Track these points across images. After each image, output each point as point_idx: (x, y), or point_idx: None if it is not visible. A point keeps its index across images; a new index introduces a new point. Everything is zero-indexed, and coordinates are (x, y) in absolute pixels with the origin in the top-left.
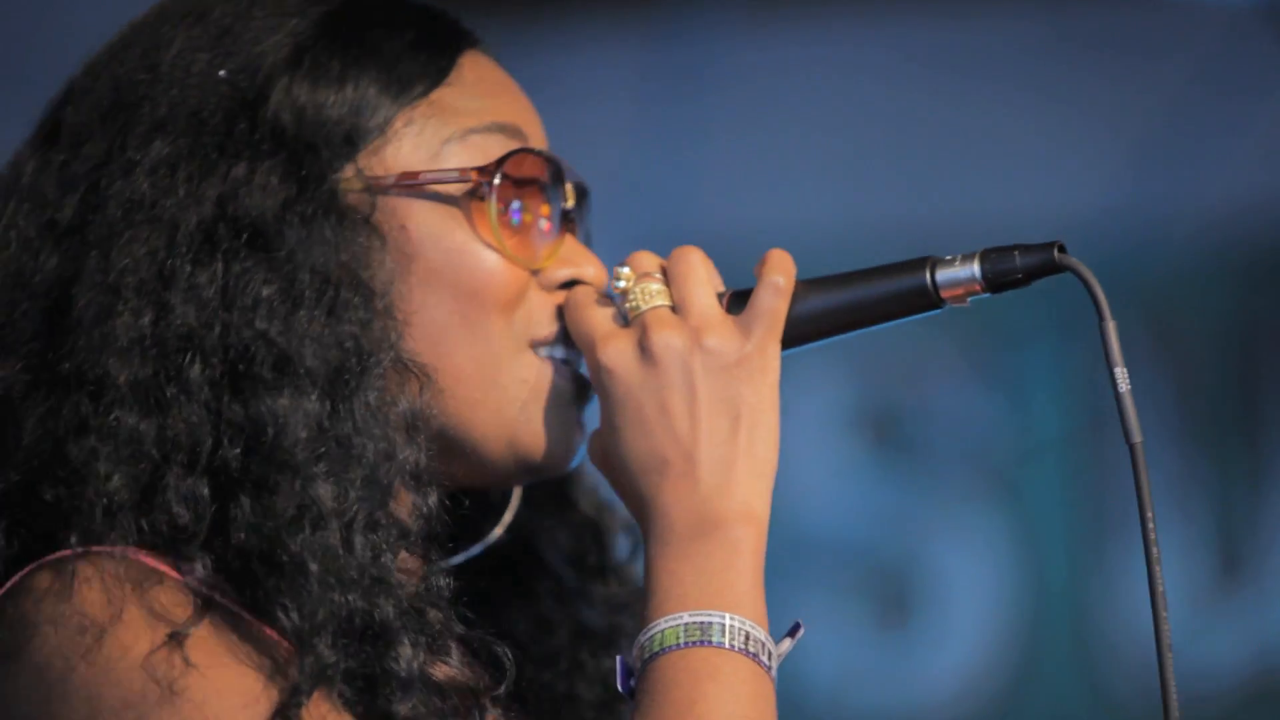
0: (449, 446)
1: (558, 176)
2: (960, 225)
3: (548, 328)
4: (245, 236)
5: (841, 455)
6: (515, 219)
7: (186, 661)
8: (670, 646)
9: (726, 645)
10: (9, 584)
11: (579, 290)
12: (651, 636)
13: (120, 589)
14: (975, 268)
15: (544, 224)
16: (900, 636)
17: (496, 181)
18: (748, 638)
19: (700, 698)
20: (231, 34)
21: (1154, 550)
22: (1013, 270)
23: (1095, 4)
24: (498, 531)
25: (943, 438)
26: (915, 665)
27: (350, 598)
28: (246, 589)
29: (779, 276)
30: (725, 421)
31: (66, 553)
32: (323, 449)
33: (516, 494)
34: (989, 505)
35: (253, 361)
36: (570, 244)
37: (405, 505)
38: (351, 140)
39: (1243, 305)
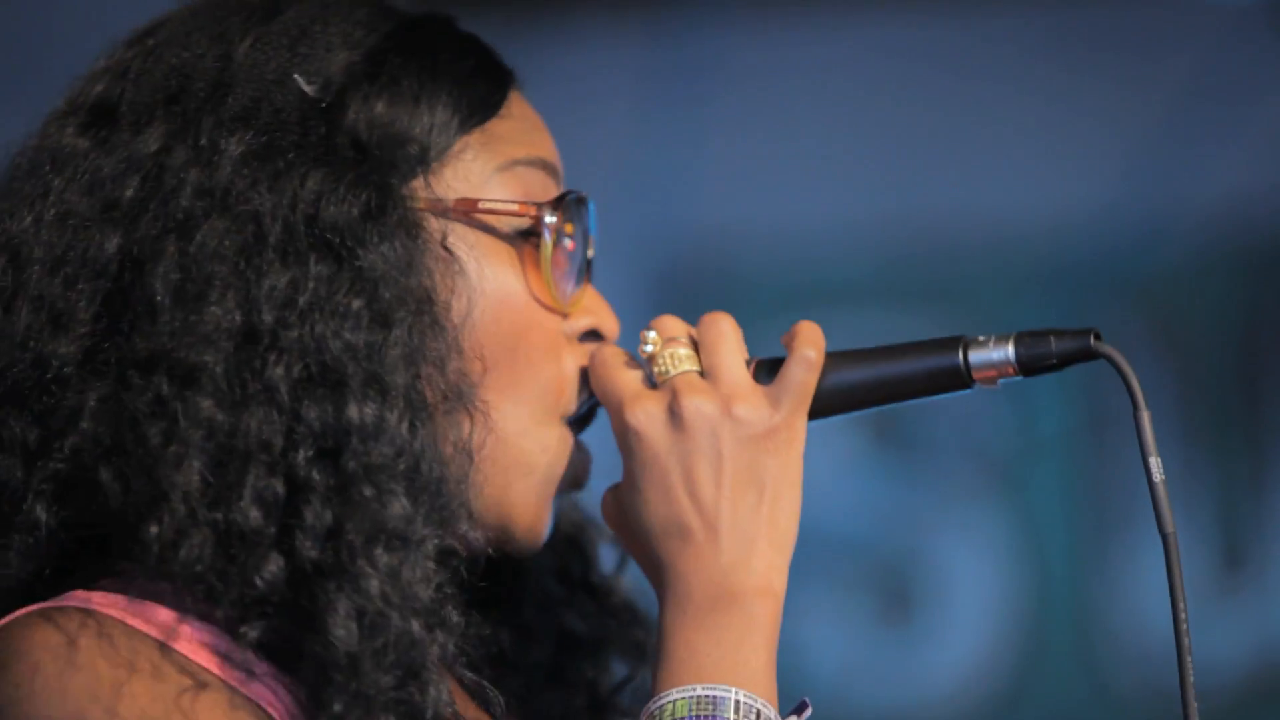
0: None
1: (588, 220)
2: (962, 223)
3: (575, 400)
4: (326, 242)
5: (844, 451)
6: (554, 260)
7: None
8: (681, 718)
9: None
10: (14, 616)
11: (607, 350)
12: (663, 706)
13: (120, 660)
14: (1010, 351)
15: (574, 268)
16: (903, 632)
17: (551, 219)
18: (758, 715)
19: None
20: (307, 39)
21: (1185, 640)
22: (1048, 355)
23: (1096, 1)
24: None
25: (945, 434)
26: (918, 661)
27: (411, 624)
28: (298, 609)
29: (810, 350)
30: (751, 492)
31: (65, 604)
32: (402, 467)
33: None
34: (991, 501)
35: (337, 371)
36: (591, 293)
37: (463, 539)
38: (424, 160)
39: (1244, 300)
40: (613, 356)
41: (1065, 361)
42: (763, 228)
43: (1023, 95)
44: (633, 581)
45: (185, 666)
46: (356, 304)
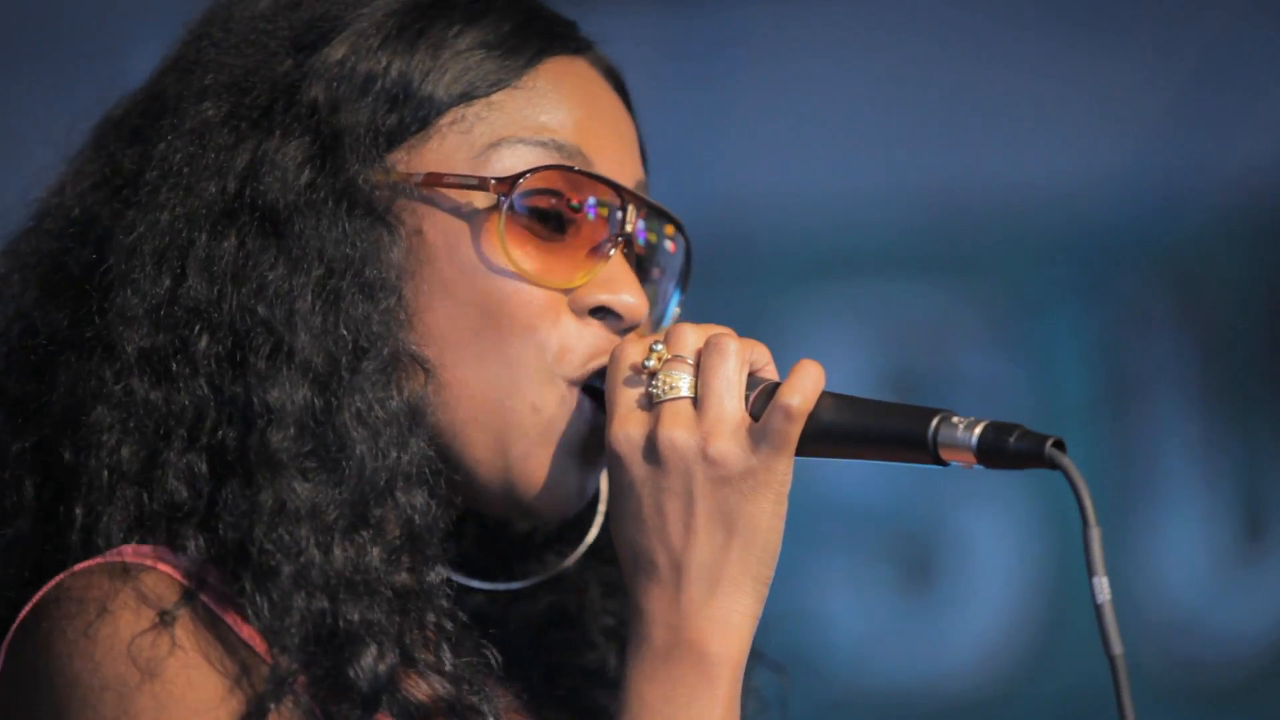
0: (451, 460)
1: (619, 201)
2: (984, 193)
3: (586, 365)
4: (260, 215)
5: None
6: (541, 230)
7: (155, 664)
8: None
9: None
10: (29, 606)
11: (624, 351)
12: None
13: (108, 592)
14: (974, 438)
15: (587, 246)
16: (923, 603)
17: (512, 196)
18: None
19: None
20: (307, 5)
21: None
22: (1005, 452)
23: None
24: (567, 563)
25: (967, 402)
26: (939, 631)
27: (318, 602)
28: (230, 583)
29: (795, 398)
30: (719, 534)
31: (71, 575)
32: (309, 446)
33: (595, 527)
34: (1000, 475)
35: (252, 346)
36: (615, 266)
37: (400, 504)
38: (382, 133)
39: (1267, 267)
40: (624, 361)
41: (1022, 462)
42: (784, 199)
43: (1044, 65)
44: None
45: (208, 609)
46: (273, 275)
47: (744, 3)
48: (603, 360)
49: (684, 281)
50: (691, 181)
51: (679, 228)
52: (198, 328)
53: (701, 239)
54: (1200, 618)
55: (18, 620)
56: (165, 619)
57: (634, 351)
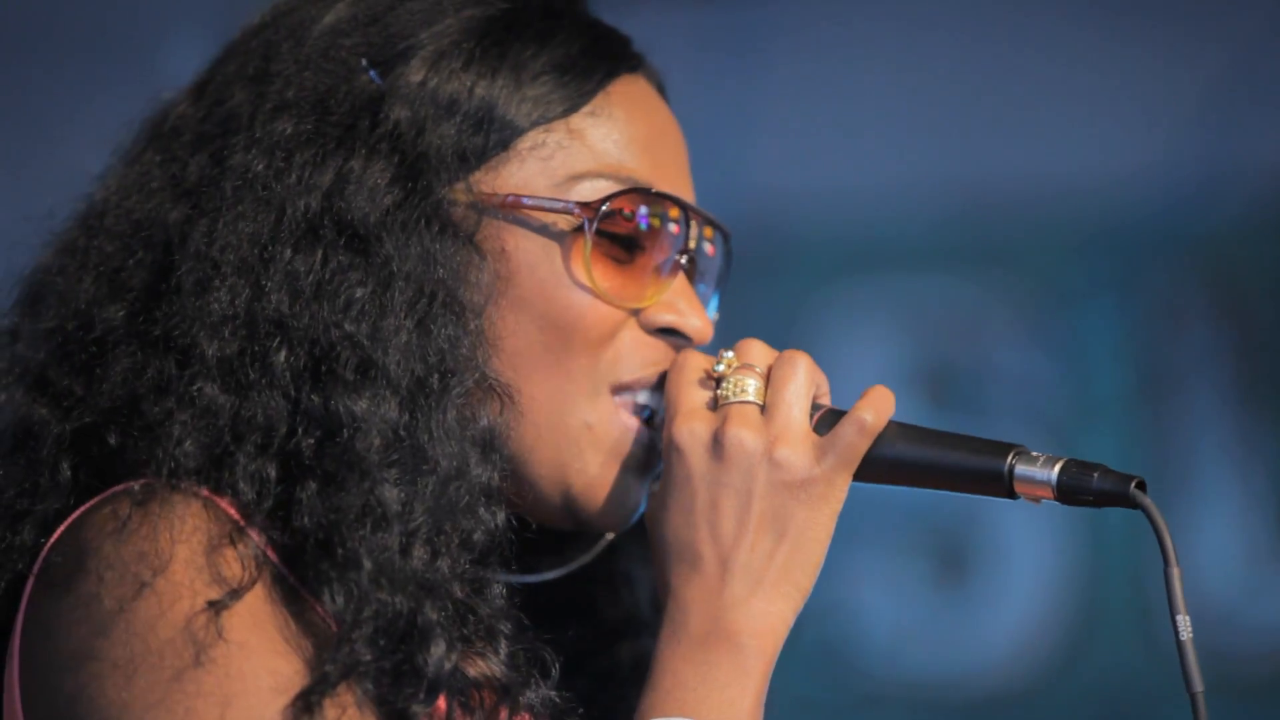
0: (514, 473)
1: (684, 220)
2: (1017, 185)
3: (635, 372)
4: (346, 234)
5: (902, 413)
6: (616, 254)
7: (225, 629)
8: None
9: None
10: (72, 516)
11: (690, 357)
12: None
13: (177, 532)
14: (1054, 474)
15: (655, 266)
16: (958, 595)
17: (596, 220)
18: None
19: None
20: (381, 22)
21: None
22: (1087, 491)
23: None
24: (585, 558)
25: (999, 396)
26: (972, 624)
27: (397, 600)
28: (298, 566)
29: (869, 414)
30: (770, 537)
31: (133, 485)
32: (395, 456)
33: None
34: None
35: (337, 360)
36: (680, 287)
37: (474, 519)
38: (466, 155)
39: None
40: (691, 365)
41: (1103, 501)
42: (819, 192)
43: (1078, 58)
44: None
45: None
46: (361, 293)
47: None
48: (652, 371)
49: (723, 284)
50: (726, 176)
51: (726, 237)
52: (277, 340)
53: (737, 234)
54: (1235, 611)
55: (48, 545)
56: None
57: (700, 358)
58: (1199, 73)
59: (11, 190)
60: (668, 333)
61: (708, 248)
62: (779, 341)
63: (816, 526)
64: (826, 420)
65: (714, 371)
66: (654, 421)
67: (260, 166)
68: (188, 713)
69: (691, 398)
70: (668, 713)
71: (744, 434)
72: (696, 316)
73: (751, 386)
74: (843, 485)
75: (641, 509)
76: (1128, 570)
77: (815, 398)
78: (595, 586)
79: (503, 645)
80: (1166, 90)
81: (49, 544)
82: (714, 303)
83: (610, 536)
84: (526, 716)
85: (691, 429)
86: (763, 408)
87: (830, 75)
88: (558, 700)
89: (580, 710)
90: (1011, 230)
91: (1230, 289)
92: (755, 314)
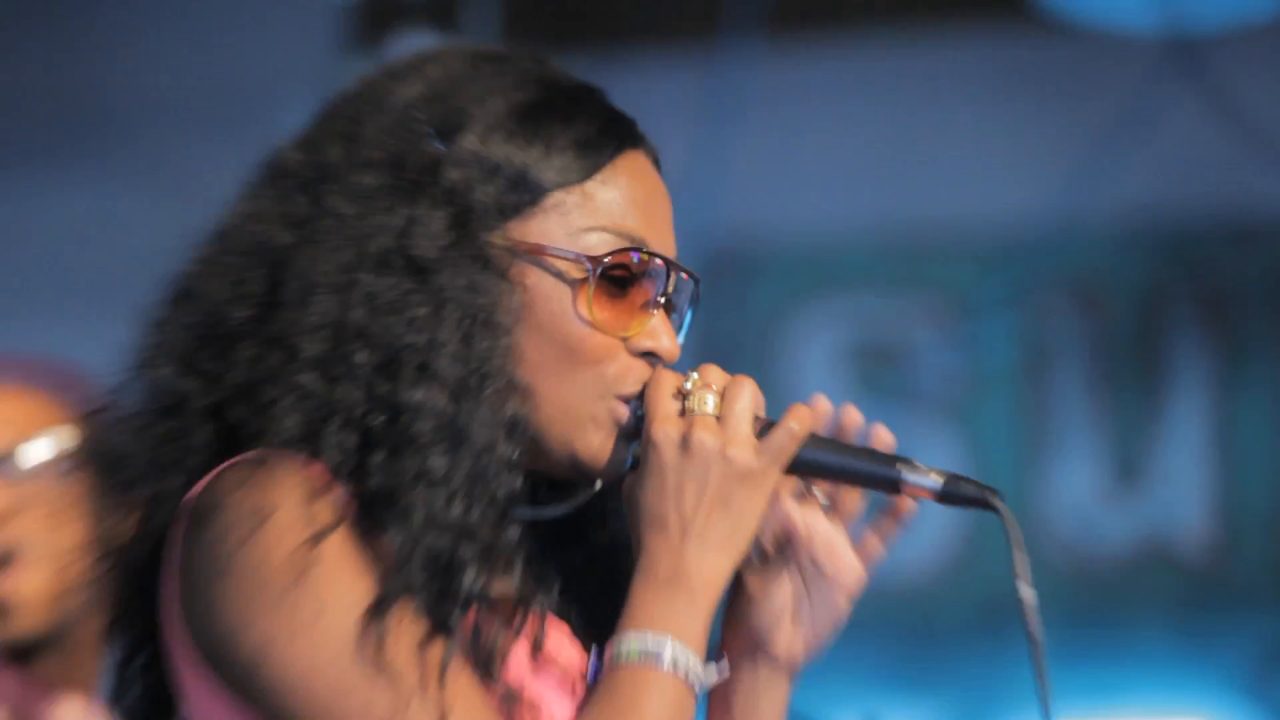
0: (532, 446)
1: (664, 270)
2: (940, 221)
3: (632, 387)
4: (412, 266)
5: (839, 389)
6: (612, 296)
7: (317, 559)
8: (630, 650)
9: (668, 668)
10: (209, 475)
11: (664, 374)
12: (619, 642)
13: (282, 489)
14: (937, 483)
15: (642, 303)
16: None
17: (599, 271)
18: (688, 660)
19: (636, 704)
20: (446, 101)
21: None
22: (959, 496)
23: (1042, 42)
24: (581, 499)
25: (922, 381)
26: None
27: (441, 540)
28: (369, 514)
29: (795, 424)
30: (719, 511)
31: (251, 454)
32: (443, 435)
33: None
34: (945, 432)
35: (402, 362)
36: (659, 320)
37: (499, 482)
38: (504, 209)
39: (1146, 278)
40: (665, 381)
41: (971, 504)
42: (778, 227)
43: (981, 119)
44: None
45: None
46: (422, 312)
47: (751, 64)
48: (638, 384)
49: (692, 314)
50: (708, 211)
51: (697, 281)
52: (358, 344)
53: (716, 259)
54: (1086, 530)
55: (196, 491)
56: (330, 515)
57: (673, 377)
58: (1074, 131)
59: (159, 216)
60: (648, 355)
61: (683, 289)
62: (749, 346)
63: (755, 506)
64: (764, 429)
65: (683, 388)
66: (638, 413)
67: (348, 210)
68: (291, 618)
69: (666, 407)
70: (638, 628)
71: (705, 437)
72: (671, 343)
73: (710, 402)
74: (775, 476)
75: (627, 465)
76: (1016, 510)
77: (755, 412)
78: (587, 519)
79: (518, 570)
80: (1048, 146)
81: (193, 494)
82: (684, 330)
83: (599, 485)
84: (535, 617)
85: (665, 431)
86: (718, 418)
87: (788, 133)
88: (560, 607)
89: (578, 611)
90: (931, 257)
91: (1092, 297)
92: (729, 327)
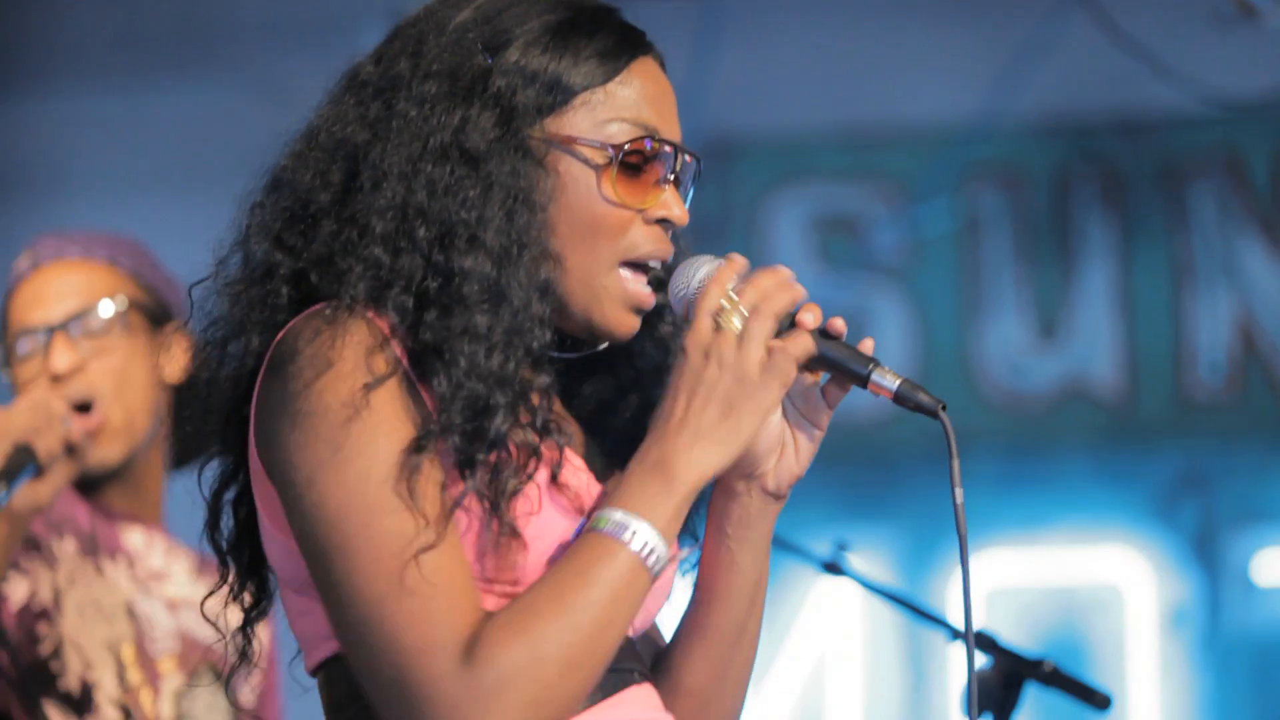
0: (559, 309)
1: (673, 153)
2: (894, 120)
3: (642, 249)
4: (465, 157)
5: (807, 259)
6: (630, 176)
7: (371, 401)
8: (601, 527)
9: (628, 544)
10: (288, 325)
11: (712, 289)
12: (596, 516)
13: (347, 339)
14: (895, 385)
15: (655, 179)
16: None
17: (619, 156)
18: (654, 543)
19: (590, 569)
20: (492, 23)
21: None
22: (909, 400)
23: None
24: (602, 345)
25: (876, 254)
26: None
27: (480, 387)
28: (420, 365)
29: (799, 349)
30: (718, 413)
31: (324, 307)
32: (487, 296)
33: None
34: (897, 292)
35: (456, 235)
36: (670, 194)
37: (532, 337)
38: (544, 108)
39: (1057, 164)
40: (710, 296)
41: (919, 410)
42: (758, 123)
43: (927, 33)
44: None
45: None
46: (473, 194)
47: None
48: (652, 247)
49: (693, 188)
50: (689, 110)
51: (699, 161)
52: (419, 222)
53: (699, 151)
54: (1015, 376)
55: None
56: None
57: (715, 294)
58: (997, 44)
59: (258, 119)
60: (662, 222)
61: (687, 169)
62: (733, 222)
63: (753, 416)
64: (782, 330)
65: (720, 306)
66: (657, 287)
67: (414, 112)
68: (346, 445)
69: (704, 322)
70: (614, 505)
71: (726, 351)
72: (681, 211)
73: (738, 324)
74: (778, 392)
75: (635, 329)
76: (955, 364)
77: (777, 316)
78: (603, 366)
79: (541, 413)
80: (977, 56)
81: (272, 345)
82: (687, 200)
83: (603, 346)
84: (553, 451)
85: (698, 341)
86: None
87: (764, 46)
88: (577, 444)
89: (593, 447)
90: (881, 148)
91: (1014, 181)
92: (718, 203)
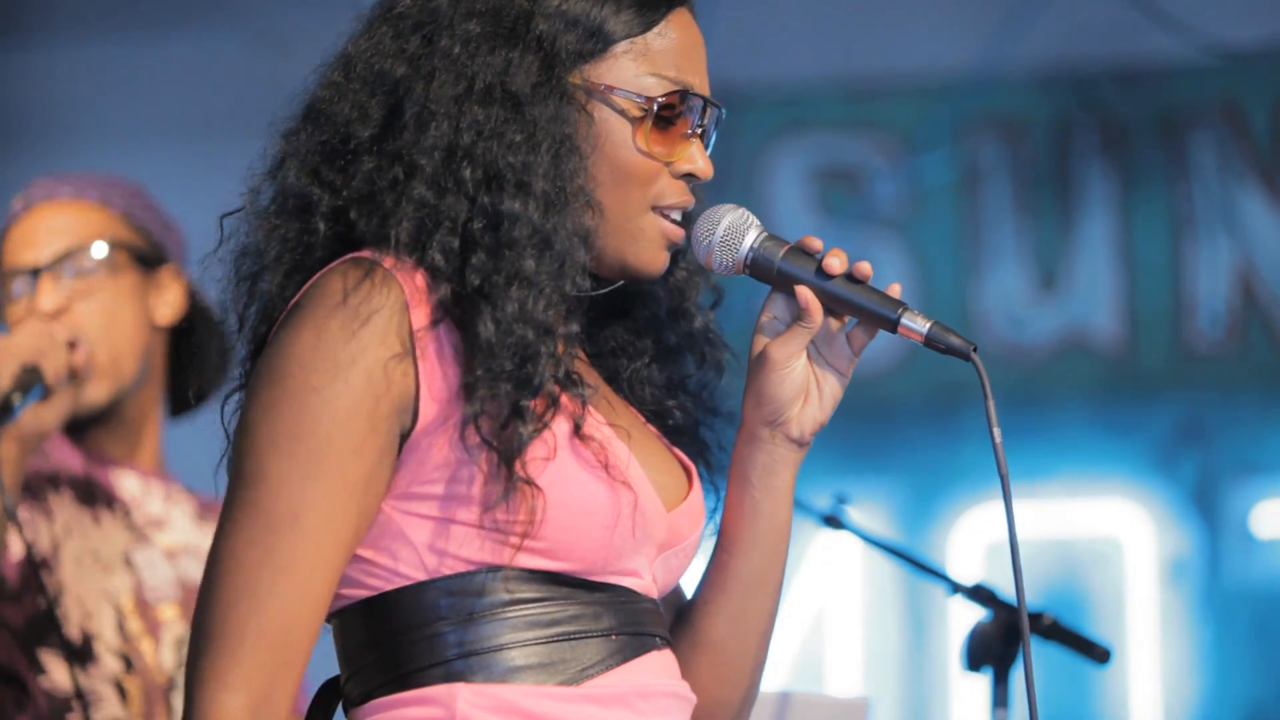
0: (596, 254)
1: (704, 107)
2: (892, 69)
3: (669, 199)
4: (510, 99)
5: (809, 209)
6: (661, 129)
7: (345, 413)
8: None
9: None
10: (321, 274)
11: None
12: None
13: (379, 298)
14: (925, 328)
15: (684, 132)
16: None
17: (654, 109)
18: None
19: None
20: None
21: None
22: (940, 343)
23: None
24: (617, 285)
25: (876, 205)
26: None
27: (528, 332)
28: (466, 310)
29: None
30: None
31: (362, 255)
32: (534, 240)
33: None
34: (891, 244)
35: (503, 178)
36: (696, 148)
37: (573, 283)
38: (584, 54)
39: (1056, 114)
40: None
41: (950, 353)
42: (761, 75)
43: None
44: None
45: (395, 292)
46: (519, 137)
47: None
48: (677, 198)
49: (716, 133)
50: None
51: (721, 111)
52: (466, 162)
53: None
54: (1015, 327)
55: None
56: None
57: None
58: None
59: (254, 66)
60: (687, 175)
61: (712, 120)
62: (737, 173)
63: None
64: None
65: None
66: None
67: (458, 50)
68: (295, 448)
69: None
70: None
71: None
72: (706, 165)
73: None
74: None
75: (666, 265)
76: (956, 311)
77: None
78: (617, 309)
79: (564, 363)
80: (976, 6)
81: (301, 290)
82: (709, 147)
83: (622, 282)
84: (578, 404)
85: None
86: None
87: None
88: (601, 393)
89: (612, 391)
90: (881, 99)
91: (1013, 131)
92: (724, 153)
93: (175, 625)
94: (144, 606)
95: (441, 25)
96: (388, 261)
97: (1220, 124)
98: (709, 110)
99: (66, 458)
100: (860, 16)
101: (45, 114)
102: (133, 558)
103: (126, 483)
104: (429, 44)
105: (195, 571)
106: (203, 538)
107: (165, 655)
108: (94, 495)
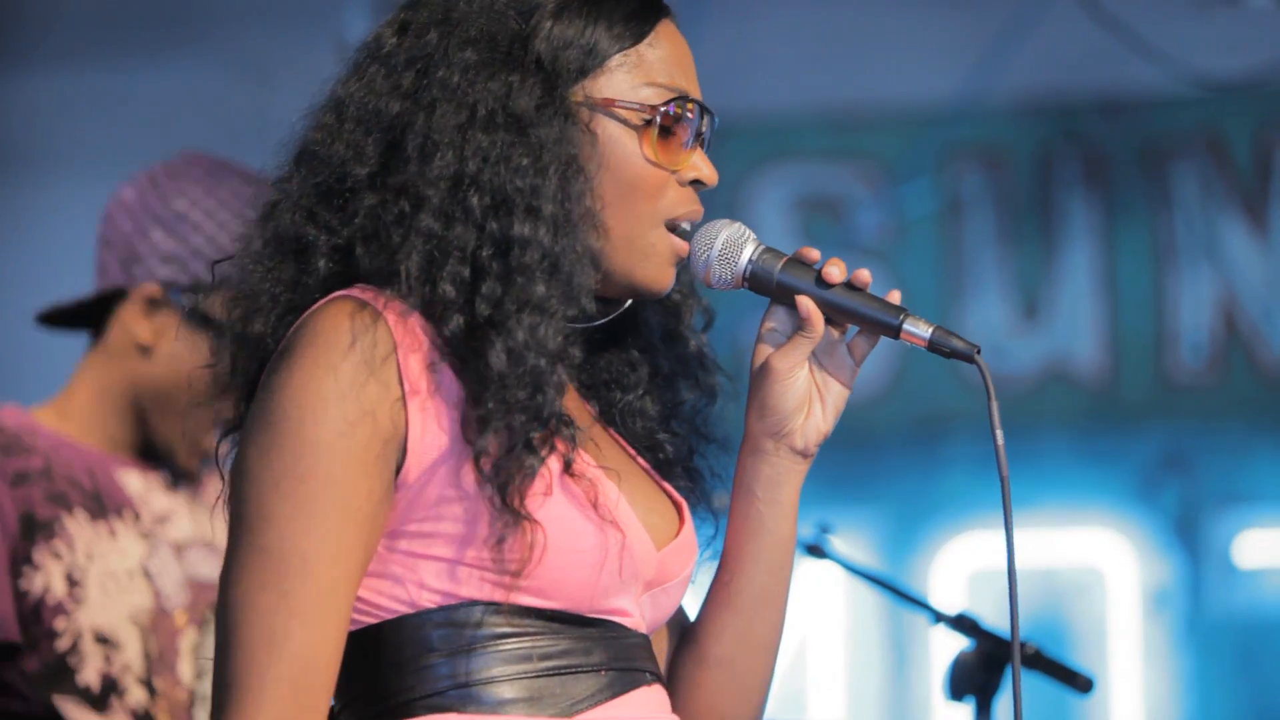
0: (603, 273)
1: (701, 113)
2: (876, 100)
3: (679, 209)
4: (514, 123)
5: (790, 237)
6: (665, 138)
7: (335, 454)
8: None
9: None
10: (313, 310)
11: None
12: None
13: (365, 343)
14: (928, 333)
15: (686, 141)
16: None
17: (657, 118)
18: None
19: None
20: None
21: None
22: (944, 347)
23: None
24: (624, 309)
25: (859, 234)
26: None
27: (540, 361)
28: (471, 342)
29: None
30: None
31: (354, 293)
32: (543, 264)
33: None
34: (879, 274)
35: (512, 204)
36: (700, 155)
37: (579, 307)
38: (581, 72)
39: (1038, 144)
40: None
41: (955, 356)
42: (744, 104)
43: (909, 14)
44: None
45: (384, 337)
46: (525, 161)
47: None
48: (686, 209)
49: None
50: None
51: (715, 119)
52: (473, 190)
53: None
54: (997, 357)
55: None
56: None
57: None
58: (979, 24)
59: (234, 96)
60: (694, 183)
61: (710, 128)
62: (719, 200)
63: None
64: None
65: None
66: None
67: (457, 79)
68: (294, 493)
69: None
70: None
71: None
72: (711, 172)
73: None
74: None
75: (673, 282)
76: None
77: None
78: (610, 337)
79: (575, 382)
80: (959, 37)
81: (291, 329)
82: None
83: (629, 303)
84: (568, 443)
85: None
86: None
87: (751, 29)
88: (590, 427)
89: (619, 411)
90: (864, 129)
91: (996, 161)
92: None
93: (188, 633)
94: (163, 618)
95: (436, 58)
96: (378, 301)
97: (1202, 154)
98: (706, 117)
99: (71, 460)
100: (843, 47)
101: (28, 143)
102: (149, 567)
103: (130, 481)
104: (424, 77)
105: (202, 567)
106: (199, 528)
107: (184, 669)
108: (104, 506)
